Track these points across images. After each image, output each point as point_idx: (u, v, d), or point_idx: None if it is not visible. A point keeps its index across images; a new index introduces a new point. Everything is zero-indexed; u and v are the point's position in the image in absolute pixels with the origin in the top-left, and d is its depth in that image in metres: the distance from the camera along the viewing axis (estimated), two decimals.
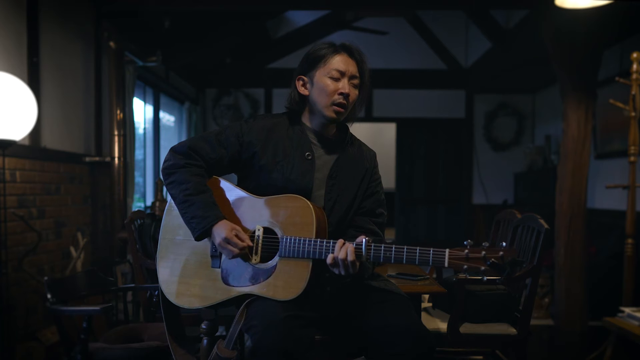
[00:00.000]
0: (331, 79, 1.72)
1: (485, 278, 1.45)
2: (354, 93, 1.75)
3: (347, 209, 1.76)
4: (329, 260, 1.56)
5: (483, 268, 1.44)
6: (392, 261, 1.54)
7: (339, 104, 1.72)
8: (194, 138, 1.79)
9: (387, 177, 6.03)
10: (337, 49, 1.75)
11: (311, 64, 1.76)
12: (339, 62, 1.72)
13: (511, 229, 2.60)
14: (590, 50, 4.01)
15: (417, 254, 1.50)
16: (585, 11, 3.57)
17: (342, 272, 1.56)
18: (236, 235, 1.63)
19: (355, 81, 1.75)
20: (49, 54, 3.43)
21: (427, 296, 2.63)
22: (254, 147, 1.74)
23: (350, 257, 1.53)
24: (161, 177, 1.79)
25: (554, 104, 5.88)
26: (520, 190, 6.69)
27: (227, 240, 1.62)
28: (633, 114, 3.34)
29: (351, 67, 1.73)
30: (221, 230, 1.63)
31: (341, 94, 1.71)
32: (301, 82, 1.78)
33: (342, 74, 1.72)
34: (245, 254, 1.66)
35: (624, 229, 3.44)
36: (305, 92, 1.77)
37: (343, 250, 1.54)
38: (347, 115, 1.80)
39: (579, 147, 4.03)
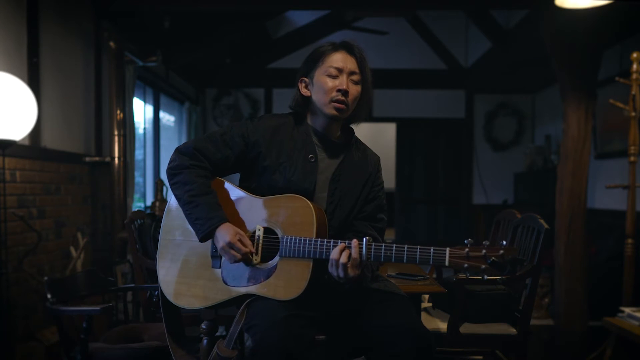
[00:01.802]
0: (329, 77, 1.71)
1: (486, 277, 1.45)
2: (354, 89, 1.73)
3: (348, 212, 1.75)
4: (329, 266, 1.56)
5: (484, 267, 1.44)
6: (393, 260, 1.53)
7: (337, 101, 1.70)
8: (199, 138, 1.77)
9: (387, 177, 5.99)
10: (335, 47, 1.74)
11: (311, 64, 1.75)
12: (336, 59, 1.72)
13: (511, 229, 2.60)
14: (590, 50, 4.01)
15: (418, 253, 1.50)
16: (585, 11, 3.57)
17: (341, 275, 1.55)
18: (239, 240, 1.62)
19: (355, 77, 1.73)
20: (49, 54, 3.43)
21: (427, 296, 2.63)
22: (259, 147, 1.73)
23: (348, 259, 1.53)
24: (166, 177, 1.78)
25: (554, 104, 5.88)
26: (520, 190, 6.69)
27: (230, 245, 1.61)
28: (633, 114, 3.34)
29: (349, 64, 1.72)
30: (225, 234, 1.62)
31: (339, 90, 1.69)
32: (303, 84, 1.78)
33: (340, 70, 1.71)
34: (247, 259, 1.65)
35: (624, 229, 3.44)
36: (307, 94, 1.77)
37: (344, 254, 1.54)
38: (352, 116, 1.79)
39: (579, 147, 4.03)
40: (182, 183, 1.70)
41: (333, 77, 1.71)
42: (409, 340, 1.55)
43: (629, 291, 3.34)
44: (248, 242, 1.64)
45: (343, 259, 1.54)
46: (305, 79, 1.77)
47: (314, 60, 1.74)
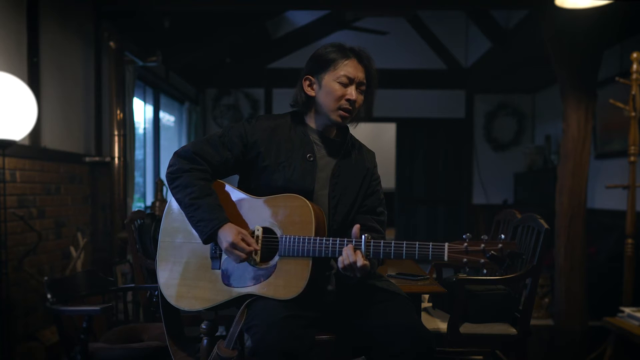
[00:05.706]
0: (340, 84, 1.73)
1: (485, 270, 1.45)
2: (360, 99, 1.77)
3: (350, 207, 1.77)
4: (340, 264, 1.57)
5: (482, 261, 1.45)
6: (392, 256, 1.55)
7: (345, 109, 1.74)
8: (197, 142, 1.78)
9: (387, 177, 6.02)
10: (347, 54, 1.75)
11: (320, 66, 1.76)
12: (348, 68, 1.74)
13: (511, 229, 2.60)
14: (590, 50, 4.01)
15: (417, 248, 1.51)
16: (585, 11, 3.57)
17: (358, 275, 1.56)
18: (243, 240, 1.63)
19: (362, 87, 1.77)
20: (49, 54, 3.43)
21: (427, 296, 2.63)
22: (258, 147, 1.75)
23: (360, 262, 1.54)
24: (165, 181, 1.79)
25: (554, 104, 5.88)
26: (520, 190, 6.69)
27: (234, 245, 1.61)
28: (633, 114, 3.34)
29: (360, 74, 1.75)
30: (227, 234, 1.63)
31: (348, 100, 1.73)
32: (308, 83, 1.79)
33: (351, 80, 1.74)
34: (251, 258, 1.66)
35: (624, 229, 3.44)
36: (312, 93, 1.78)
37: (356, 255, 1.55)
38: (352, 119, 1.82)
39: (579, 147, 4.03)
40: (183, 186, 1.70)
41: (343, 85, 1.74)
42: (409, 340, 1.56)
43: (629, 291, 3.34)
44: (251, 240, 1.65)
45: (353, 259, 1.54)
46: (311, 78, 1.78)
47: (324, 64, 1.75)
